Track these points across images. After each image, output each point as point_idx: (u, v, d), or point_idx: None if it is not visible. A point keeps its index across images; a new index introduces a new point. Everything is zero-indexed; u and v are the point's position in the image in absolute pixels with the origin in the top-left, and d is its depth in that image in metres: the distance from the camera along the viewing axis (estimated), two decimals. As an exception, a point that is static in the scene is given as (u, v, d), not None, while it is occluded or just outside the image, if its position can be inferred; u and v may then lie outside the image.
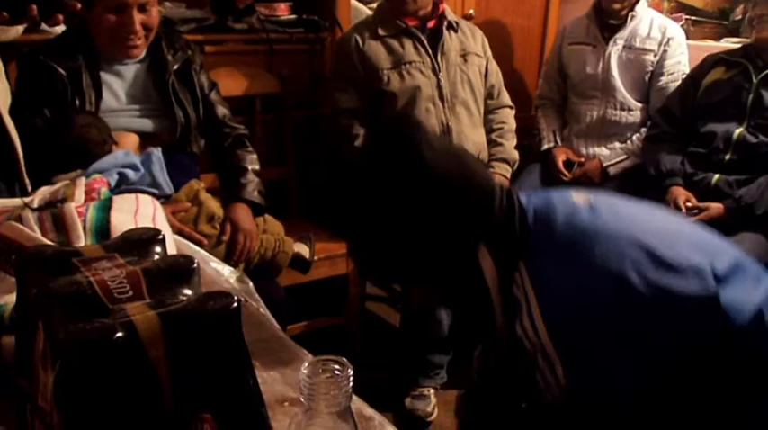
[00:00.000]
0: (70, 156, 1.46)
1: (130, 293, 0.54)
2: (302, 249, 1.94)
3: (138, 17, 1.66)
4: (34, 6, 1.04)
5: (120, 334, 0.48)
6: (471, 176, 0.99)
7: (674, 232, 1.03)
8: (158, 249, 0.61)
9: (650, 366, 0.91)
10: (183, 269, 0.57)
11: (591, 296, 0.93)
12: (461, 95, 2.22)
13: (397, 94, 2.17)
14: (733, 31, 2.95)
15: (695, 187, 2.15)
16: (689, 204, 2.10)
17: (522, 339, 0.92)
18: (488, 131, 2.32)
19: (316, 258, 2.03)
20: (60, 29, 1.90)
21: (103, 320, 0.50)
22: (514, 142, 2.35)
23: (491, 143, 2.31)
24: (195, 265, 0.57)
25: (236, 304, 0.53)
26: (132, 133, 1.69)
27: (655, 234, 0.98)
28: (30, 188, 1.33)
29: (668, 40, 2.42)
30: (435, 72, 2.18)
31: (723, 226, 1.98)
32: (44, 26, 1.90)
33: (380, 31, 2.19)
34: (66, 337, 0.49)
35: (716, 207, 2.07)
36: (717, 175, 2.12)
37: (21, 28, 1.31)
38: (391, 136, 1.00)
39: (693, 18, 3.02)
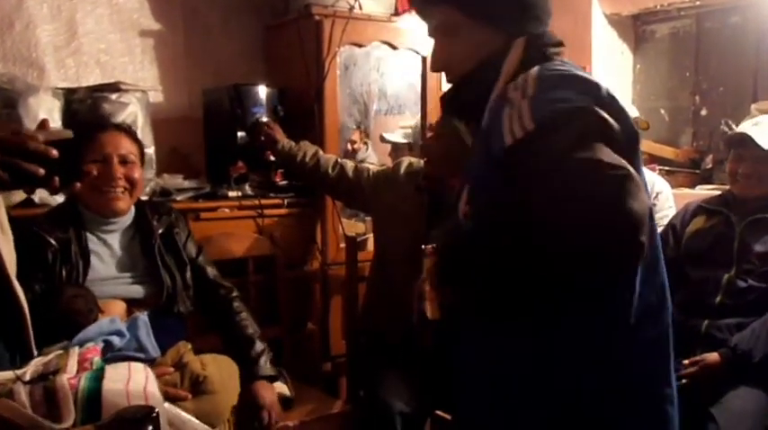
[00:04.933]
0: (57, 327, 1.47)
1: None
2: (281, 388, 1.95)
3: (119, 168, 1.79)
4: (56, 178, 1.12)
5: None
6: None
7: None
8: (151, 429, 0.61)
9: None
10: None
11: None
12: None
13: None
14: (706, 179, 3.09)
15: (685, 336, 2.05)
16: (685, 362, 2.02)
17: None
18: None
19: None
20: (55, 202, 1.98)
21: None
22: None
23: None
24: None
25: None
26: (119, 300, 1.72)
27: None
28: (36, 354, 1.32)
29: (657, 194, 2.50)
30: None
31: (721, 377, 1.95)
32: (47, 197, 1.98)
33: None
34: None
35: (711, 357, 1.99)
36: (706, 322, 2.06)
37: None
38: None
39: (666, 168, 3.18)
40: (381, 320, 2.23)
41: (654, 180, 2.55)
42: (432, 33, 1.27)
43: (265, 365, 1.88)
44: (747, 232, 2.10)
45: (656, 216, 2.47)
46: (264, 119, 2.52)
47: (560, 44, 1.20)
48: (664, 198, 2.51)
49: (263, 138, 2.45)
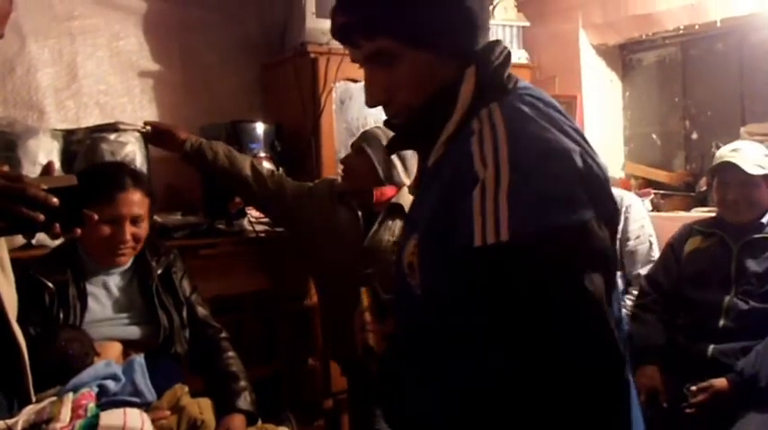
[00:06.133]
0: (51, 372, 1.45)
1: None
2: None
3: (129, 229, 1.79)
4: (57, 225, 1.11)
5: None
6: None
7: None
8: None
9: None
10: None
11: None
12: None
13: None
14: (701, 201, 3.11)
15: (692, 361, 2.09)
16: (693, 388, 2.00)
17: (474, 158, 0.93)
18: None
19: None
20: (53, 244, 1.99)
21: None
22: None
23: None
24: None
25: None
26: (116, 342, 1.71)
27: None
28: (34, 400, 1.31)
29: (627, 207, 2.61)
30: None
31: (730, 403, 1.94)
32: (45, 239, 2.00)
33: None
34: None
35: (720, 382, 1.98)
36: (711, 346, 2.06)
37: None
38: None
39: (662, 192, 3.20)
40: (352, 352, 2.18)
41: (622, 195, 2.65)
42: (362, 62, 1.06)
43: (246, 400, 1.77)
44: (743, 253, 2.12)
45: (631, 228, 2.60)
46: (147, 128, 2.30)
47: (508, 58, 1.05)
48: (635, 210, 2.64)
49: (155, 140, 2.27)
